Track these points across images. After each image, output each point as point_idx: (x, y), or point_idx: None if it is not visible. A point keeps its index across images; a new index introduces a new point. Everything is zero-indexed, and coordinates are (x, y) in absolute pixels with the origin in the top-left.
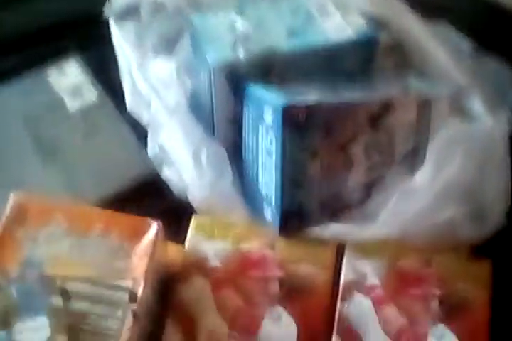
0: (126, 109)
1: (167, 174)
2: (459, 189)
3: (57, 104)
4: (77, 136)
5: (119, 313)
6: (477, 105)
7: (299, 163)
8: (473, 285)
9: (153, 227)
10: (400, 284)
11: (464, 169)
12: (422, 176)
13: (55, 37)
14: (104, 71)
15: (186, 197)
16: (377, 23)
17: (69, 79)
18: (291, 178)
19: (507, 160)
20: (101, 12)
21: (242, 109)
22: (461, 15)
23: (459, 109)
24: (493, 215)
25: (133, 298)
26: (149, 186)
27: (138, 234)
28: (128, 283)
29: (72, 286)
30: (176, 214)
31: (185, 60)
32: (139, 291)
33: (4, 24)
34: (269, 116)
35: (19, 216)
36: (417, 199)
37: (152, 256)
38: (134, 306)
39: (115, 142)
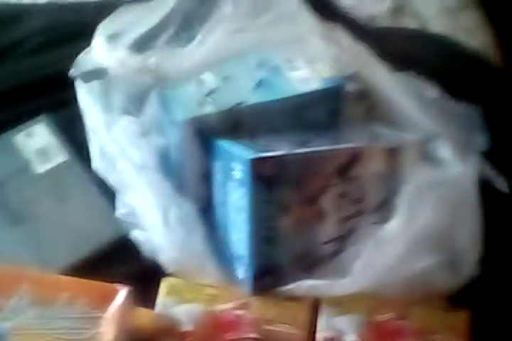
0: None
1: (137, 235)
2: (432, 237)
3: (25, 166)
4: (44, 199)
5: None
6: (446, 151)
7: (270, 218)
8: (452, 336)
9: (122, 293)
10: (378, 339)
11: (436, 217)
12: (394, 225)
13: (23, 99)
14: (73, 132)
15: (157, 259)
16: (344, 72)
17: (37, 141)
18: (262, 235)
19: (478, 207)
20: (68, 73)
21: (211, 164)
22: (427, 63)
23: (427, 155)
24: (468, 264)
25: None
26: (119, 249)
27: (106, 301)
28: None
29: None
30: (146, 277)
31: (153, 118)
32: None
33: None
34: (237, 171)
35: None
36: (390, 249)
37: (120, 322)
38: None
39: (84, 205)
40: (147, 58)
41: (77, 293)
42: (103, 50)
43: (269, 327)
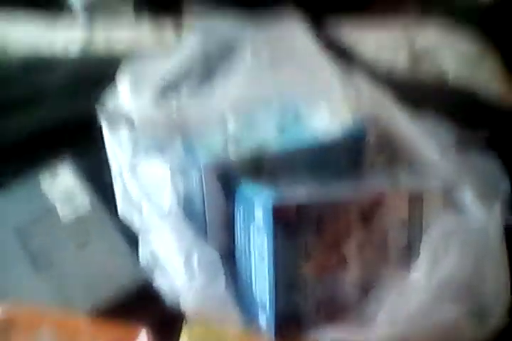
0: (118, 215)
1: (159, 281)
2: (457, 286)
3: (50, 211)
4: (68, 244)
5: None
6: (469, 198)
7: (292, 264)
8: None
9: (142, 335)
10: None
11: (461, 264)
12: (418, 273)
13: (49, 144)
14: (98, 176)
15: (179, 305)
16: (365, 119)
17: (62, 185)
18: (284, 281)
19: (504, 254)
20: (95, 118)
21: (233, 210)
22: (446, 111)
23: (450, 202)
24: (495, 313)
25: None
26: (141, 294)
27: None
28: None
29: None
30: (168, 324)
31: (177, 162)
32: None
33: None
34: (259, 216)
35: (5, 330)
36: (414, 298)
37: None
38: None
39: (106, 250)
40: (171, 108)
41: (98, 335)
42: (128, 98)
43: None
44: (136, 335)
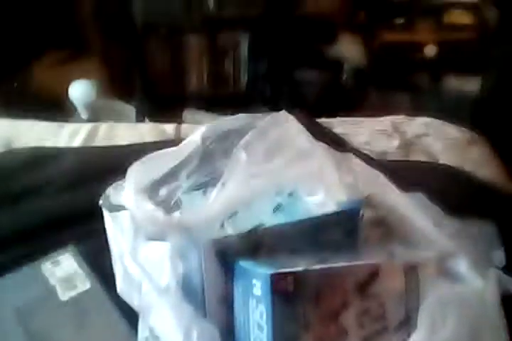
0: (118, 295)
1: None
2: None
3: (50, 294)
4: (68, 326)
5: None
6: (464, 267)
7: (291, 335)
8: None
9: None
10: None
11: (458, 332)
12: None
13: (52, 231)
14: (98, 261)
15: None
16: (359, 195)
17: (63, 269)
18: None
19: (502, 322)
20: (97, 206)
21: (232, 287)
22: (437, 190)
23: (446, 271)
24: None
25: None
26: None
27: None
28: None
29: None
30: None
31: (176, 241)
32: None
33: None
34: (257, 288)
35: None
36: None
37: None
38: None
39: (106, 331)
40: (172, 213)
41: None
42: (132, 203)
43: None
44: None
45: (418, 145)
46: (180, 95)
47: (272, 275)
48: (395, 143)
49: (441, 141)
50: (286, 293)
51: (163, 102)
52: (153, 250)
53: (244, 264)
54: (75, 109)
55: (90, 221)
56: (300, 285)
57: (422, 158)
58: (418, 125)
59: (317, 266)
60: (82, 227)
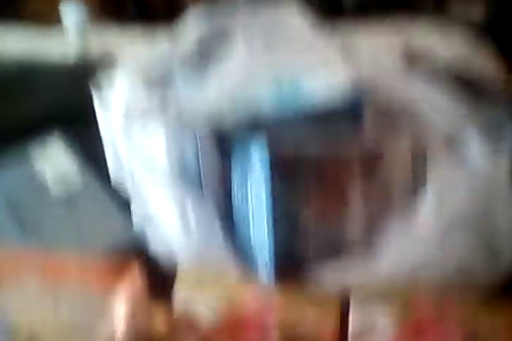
0: (110, 185)
1: (153, 243)
2: (466, 223)
3: (41, 184)
4: (60, 217)
5: None
6: (475, 150)
7: (292, 207)
8: (497, 328)
9: (135, 272)
10: (417, 333)
11: (470, 203)
12: (426, 211)
13: (42, 122)
14: (90, 150)
15: (174, 263)
16: (365, 83)
17: (53, 161)
18: (283, 224)
19: None
20: (89, 96)
21: (229, 171)
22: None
23: (455, 156)
24: (507, 250)
25: None
26: (135, 257)
27: (117, 281)
28: (106, 334)
29: None
30: (165, 289)
31: (171, 125)
32: None
33: None
34: (257, 165)
35: None
36: (422, 236)
37: (133, 303)
38: None
39: (98, 215)
40: (167, 99)
41: (87, 274)
42: (125, 88)
43: (295, 321)
44: (128, 269)
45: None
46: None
47: (272, 151)
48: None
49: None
50: (286, 170)
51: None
52: (147, 136)
53: (243, 144)
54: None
55: (80, 111)
56: (301, 161)
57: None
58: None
59: (319, 146)
60: (72, 117)
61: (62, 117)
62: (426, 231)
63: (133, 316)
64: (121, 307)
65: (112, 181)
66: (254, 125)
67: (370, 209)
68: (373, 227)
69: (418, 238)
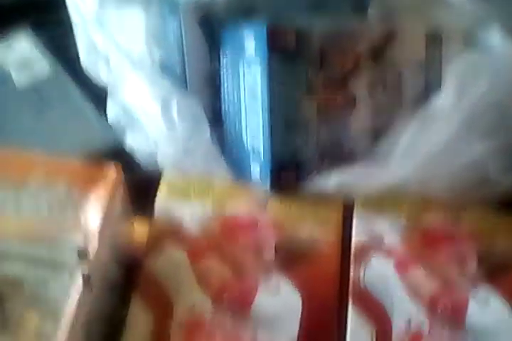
0: (82, 79)
1: (132, 140)
2: (486, 119)
3: (4, 79)
4: (27, 111)
5: (65, 277)
6: (497, 37)
7: (291, 101)
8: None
9: (110, 172)
10: (426, 243)
11: (489, 97)
12: (440, 105)
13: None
14: (57, 41)
15: (156, 167)
16: None
17: (17, 52)
18: (281, 120)
19: None
20: None
21: (218, 62)
22: None
23: (475, 43)
24: None
25: (82, 256)
26: (113, 158)
27: (90, 181)
28: (76, 239)
29: (3, 246)
30: (144, 189)
31: (151, 8)
32: (92, 250)
33: None
34: (251, 48)
35: None
36: (435, 133)
37: (109, 206)
38: (85, 268)
39: (69, 114)
40: None
41: (55, 173)
42: None
43: (292, 229)
44: (104, 172)
45: None
46: None
47: (269, 29)
48: None
49: None
50: (286, 51)
51: None
52: (125, 19)
53: (233, 29)
54: None
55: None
56: (303, 42)
57: None
58: None
59: (323, 24)
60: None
61: (29, 4)
62: (440, 131)
63: (108, 224)
64: (94, 213)
65: (84, 68)
66: (249, 7)
67: (378, 103)
68: (382, 125)
69: (431, 139)
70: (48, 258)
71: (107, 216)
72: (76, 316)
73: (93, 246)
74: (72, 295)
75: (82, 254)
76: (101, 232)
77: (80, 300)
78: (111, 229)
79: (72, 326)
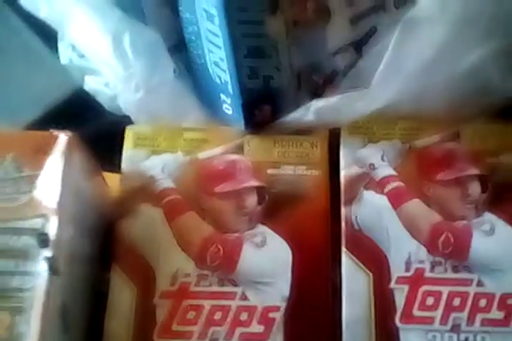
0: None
1: (89, 83)
2: (484, 16)
3: None
4: None
5: (28, 265)
6: None
7: (254, 21)
8: None
9: (62, 140)
10: (422, 170)
11: None
12: (429, 3)
13: None
14: None
15: (121, 112)
16: None
17: None
18: (247, 47)
19: None
20: None
21: None
22: None
23: None
24: None
25: (44, 241)
26: (73, 104)
27: (41, 152)
28: (34, 222)
29: None
30: (111, 136)
31: None
32: (53, 231)
33: None
34: None
35: None
36: (424, 38)
37: (65, 176)
38: (49, 253)
39: (23, 61)
40: None
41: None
42: None
43: (273, 171)
44: (55, 141)
45: None
46: None
47: None
48: None
49: None
50: None
51: None
52: None
53: None
54: None
55: None
56: None
57: None
58: None
59: None
60: None
61: None
62: (431, 36)
63: (68, 195)
64: (50, 186)
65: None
66: None
67: (356, 11)
68: (362, 37)
69: (421, 47)
70: (5, 249)
71: (65, 187)
72: (46, 304)
73: (54, 226)
74: (38, 284)
75: (42, 238)
76: (61, 207)
77: (47, 286)
78: (73, 200)
79: (44, 315)
